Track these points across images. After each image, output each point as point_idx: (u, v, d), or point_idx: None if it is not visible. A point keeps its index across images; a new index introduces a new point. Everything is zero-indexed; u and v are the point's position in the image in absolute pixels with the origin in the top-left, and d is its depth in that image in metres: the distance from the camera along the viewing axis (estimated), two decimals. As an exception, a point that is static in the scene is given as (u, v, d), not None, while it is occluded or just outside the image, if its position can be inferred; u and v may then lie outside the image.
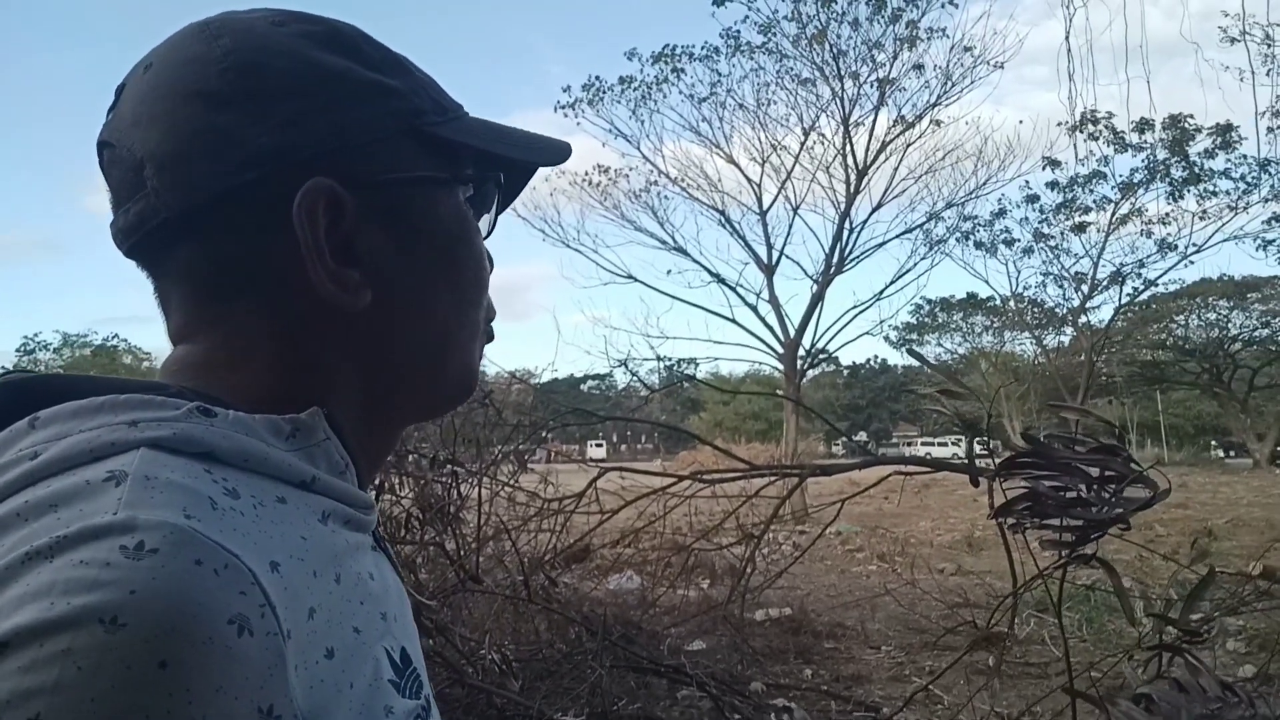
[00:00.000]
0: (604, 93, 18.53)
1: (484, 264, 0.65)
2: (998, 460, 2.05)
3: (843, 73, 17.33)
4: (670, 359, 22.28)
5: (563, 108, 18.78)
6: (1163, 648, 1.73)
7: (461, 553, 3.95)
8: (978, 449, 2.16)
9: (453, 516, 3.97)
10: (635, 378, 18.22)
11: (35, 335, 46.96)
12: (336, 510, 0.52)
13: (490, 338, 0.68)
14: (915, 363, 41.55)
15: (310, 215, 0.53)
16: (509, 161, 0.65)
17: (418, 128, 0.59)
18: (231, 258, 0.55)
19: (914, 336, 36.79)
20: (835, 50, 17.18)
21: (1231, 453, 42.20)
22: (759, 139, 18.34)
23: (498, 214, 0.68)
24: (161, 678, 0.35)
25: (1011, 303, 28.81)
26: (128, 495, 0.41)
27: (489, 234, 0.67)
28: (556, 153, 0.68)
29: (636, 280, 18.32)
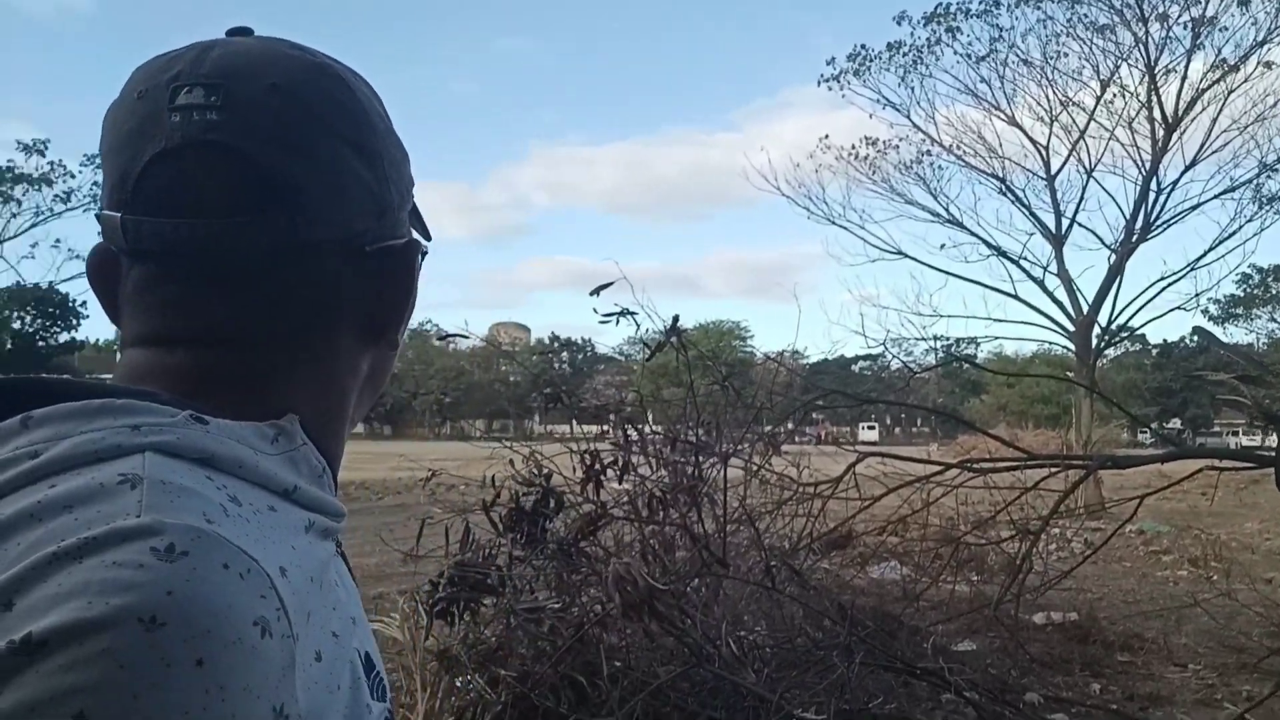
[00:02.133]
0: (870, 61, 17.74)
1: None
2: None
3: (1148, 15, 15.31)
4: (947, 338, 21.05)
5: (826, 81, 18.22)
6: None
7: (707, 536, 3.91)
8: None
9: (698, 499, 3.94)
10: (899, 359, 17.34)
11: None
12: (316, 522, 0.54)
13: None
14: (1246, 338, 36.26)
15: (415, 272, 0.64)
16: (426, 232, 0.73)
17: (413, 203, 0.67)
18: (322, 288, 0.59)
19: (1239, 310, 32.12)
20: (1140, -10, 15.23)
21: None
22: (1046, 97, 16.71)
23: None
24: (199, 675, 0.37)
25: (1372, 268, 24.21)
26: (148, 499, 0.42)
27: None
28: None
29: (907, 256, 17.41)
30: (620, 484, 3.79)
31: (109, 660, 0.36)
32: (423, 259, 0.67)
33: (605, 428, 4.33)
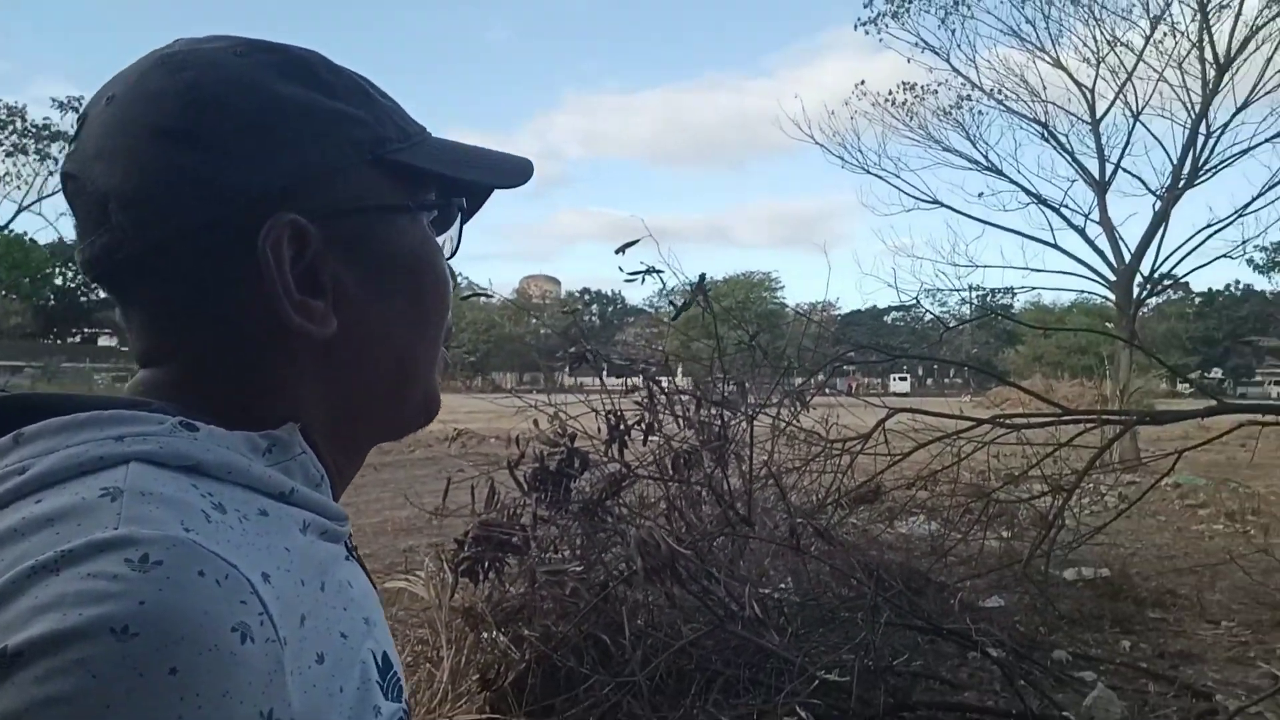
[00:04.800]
0: (910, 2, 17.20)
1: (447, 287, 0.67)
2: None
3: (1201, -52, 14.67)
4: (983, 289, 20.69)
5: (864, 24, 17.70)
6: None
7: (732, 494, 3.90)
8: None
9: (724, 456, 3.92)
10: (933, 311, 17.08)
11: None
12: (314, 522, 0.54)
13: (446, 363, 0.69)
14: (1290, 288, 35.21)
15: (275, 250, 0.55)
16: (470, 185, 0.67)
17: (380, 156, 0.60)
18: (196, 291, 0.56)
19: (1288, 258, 31.20)
20: (1193, -78, 14.56)
21: None
22: (1094, 37, 16.07)
23: (460, 233, 0.70)
24: (173, 683, 0.37)
25: None
26: (125, 510, 0.43)
27: (453, 254, 0.69)
28: (517, 173, 0.69)
29: (943, 205, 17.02)
30: (645, 444, 3.77)
31: (82, 671, 0.36)
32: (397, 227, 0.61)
33: (633, 382, 4.31)
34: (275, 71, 0.58)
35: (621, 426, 3.60)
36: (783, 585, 4.67)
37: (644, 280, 3.87)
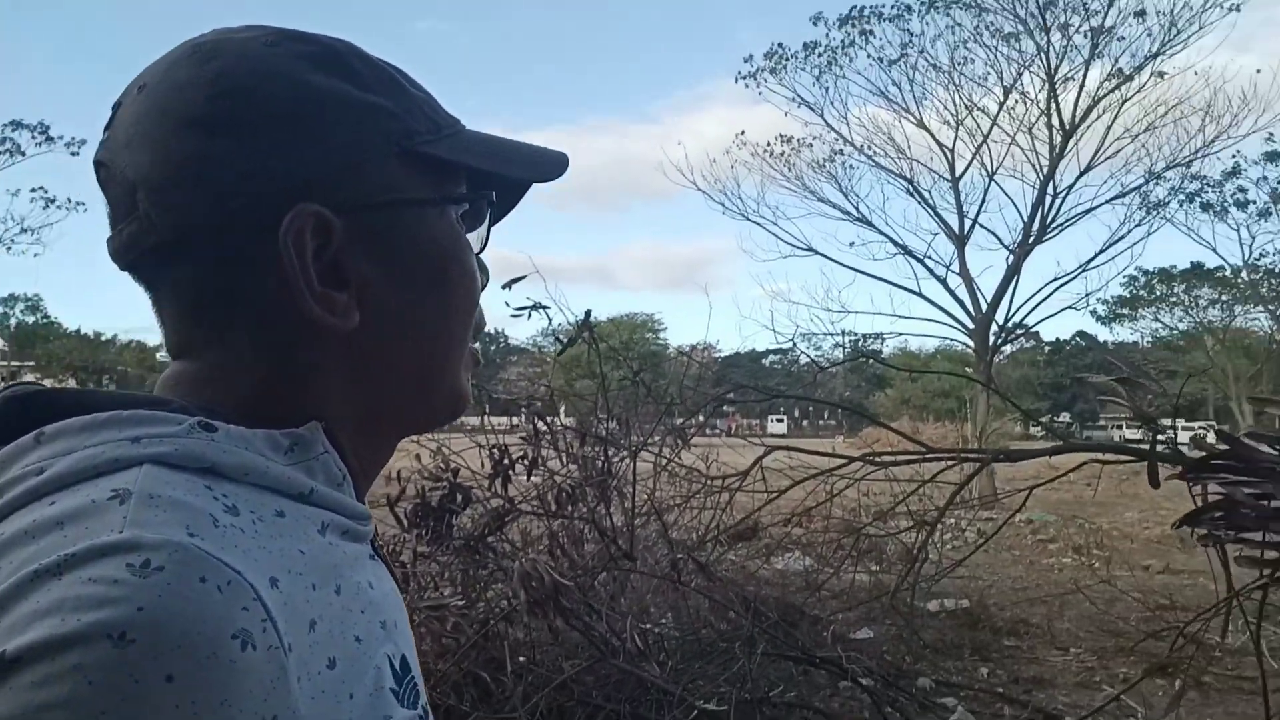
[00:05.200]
0: (787, 60, 18.03)
1: (476, 282, 0.65)
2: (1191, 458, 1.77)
3: (1049, 24, 16.01)
4: (855, 334, 21.59)
5: (744, 78, 18.45)
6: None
7: (615, 530, 3.94)
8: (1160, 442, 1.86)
9: (607, 493, 3.96)
10: (808, 354, 17.75)
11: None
12: (334, 522, 0.53)
13: (477, 360, 0.68)
14: (1131, 338, 38.22)
15: (297, 240, 0.54)
16: (503, 179, 0.66)
17: (409, 148, 0.59)
18: (222, 281, 0.56)
19: (1127, 311, 33.85)
20: (1042, 1, 15.86)
21: None
22: (953, 101, 17.31)
23: (490, 228, 0.69)
24: (169, 691, 0.37)
25: (1244, 273, 25.79)
26: (132, 514, 0.42)
27: (482, 248, 0.68)
28: (553, 167, 0.68)
29: (817, 253, 17.78)
30: (529, 479, 3.78)
31: (78, 677, 0.36)
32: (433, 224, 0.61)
33: (516, 420, 4.31)
34: (306, 61, 0.57)
35: (506, 461, 3.60)
36: (664, 620, 4.72)
37: (530, 316, 3.90)
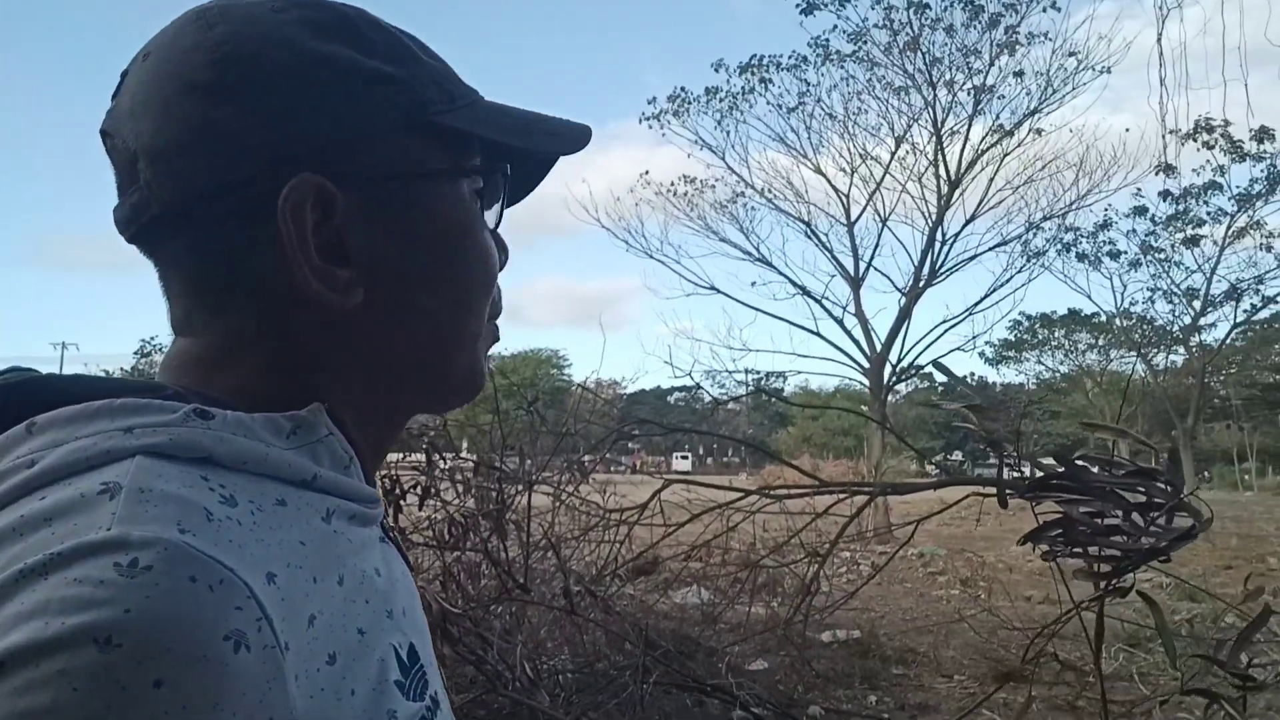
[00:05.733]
0: (690, 104, 18.50)
1: (491, 258, 0.62)
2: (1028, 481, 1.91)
3: (936, 81, 16.89)
4: (757, 372, 22.02)
5: (648, 119, 18.84)
6: (1199, 693, 1.56)
7: (509, 561, 3.93)
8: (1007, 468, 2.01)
9: (502, 525, 3.96)
10: (711, 391, 18.06)
11: (152, 339, 49.85)
12: (340, 507, 0.52)
13: (496, 337, 0.66)
14: (1018, 379, 40.13)
15: (296, 213, 0.52)
16: (519, 150, 0.62)
17: (420, 119, 0.57)
18: (223, 253, 0.54)
19: (1012, 354, 35.50)
20: (929, 58, 16.76)
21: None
22: (848, 149, 18.05)
23: (512, 203, 0.67)
24: (157, 697, 0.35)
25: (1117, 319, 27.46)
26: (121, 509, 0.41)
27: (497, 224, 0.65)
28: (574, 139, 0.65)
29: (720, 292, 18.18)
30: (421, 509, 3.75)
31: (62, 683, 0.34)
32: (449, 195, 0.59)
33: (408, 455, 4.28)
34: (312, 28, 0.55)
35: (397, 491, 3.57)
36: (560, 653, 4.71)
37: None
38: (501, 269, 0.63)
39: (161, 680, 0.36)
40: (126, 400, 0.48)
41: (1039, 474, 1.75)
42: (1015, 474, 1.98)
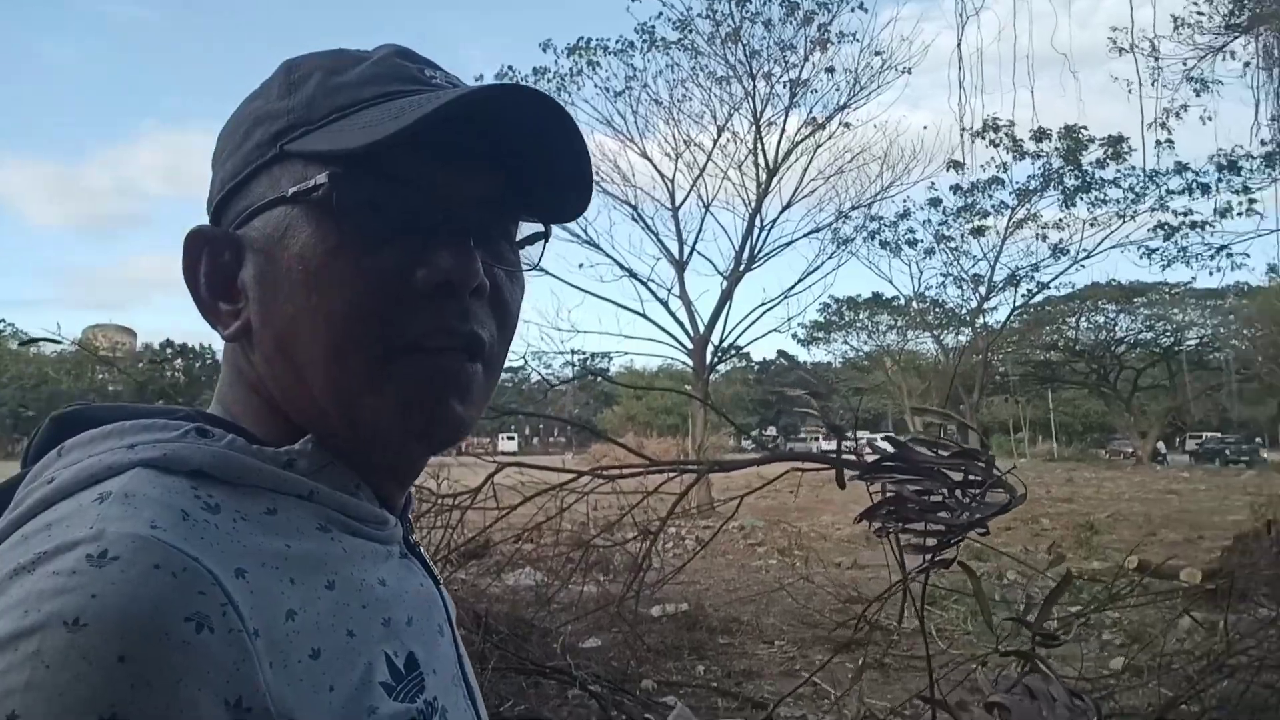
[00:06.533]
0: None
1: (364, 280, 0.54)
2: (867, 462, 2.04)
3: (755, 72, 17.50)
4: (584, 353, 22.16)
5: (474, 96, 18.44)
6: (1015, 654, 1.74)
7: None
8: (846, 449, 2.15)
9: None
10: (539, 372, 18.06)
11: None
12: (339, 520, 0.55)
13: (440, 370, 0.56)
14: (824, 359, 42.57)
15: (187, 257, 0.59)
16: (347, 154, 0.54)
17: (283, 149, 0.57)
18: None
19: (822, 334, 37.54)
20: (749, 50, 17.33)
21: (1111, 450, 44.47)
22: (673, 135, 18.39)
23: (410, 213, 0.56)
24: (121, 670, 0.38)
25: (914, 303, 29.59)
26: (104, 511, 0.45)
27: (384, 236, 0.56)
28: (438, 115, 0.53)
29: (547, 273, 18.10)
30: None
31: (36, 661, 0.38)
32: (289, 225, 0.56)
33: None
34: (264, 89, 0.61)
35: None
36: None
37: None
38: (454, 286, 0.55)
39: (125, 655, 0.39)
40: (135, 421, 0.53)
41: (875, 457, 1.88)
42: (851, 456, 2.11)
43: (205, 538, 0.45)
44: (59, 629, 0.39)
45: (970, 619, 6.43)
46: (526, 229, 0.66)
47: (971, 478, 1.91)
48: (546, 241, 0.68)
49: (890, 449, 1.90)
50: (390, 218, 0.55)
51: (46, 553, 0.42)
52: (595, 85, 18.10)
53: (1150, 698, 3.84)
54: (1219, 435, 43.14)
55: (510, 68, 18.32)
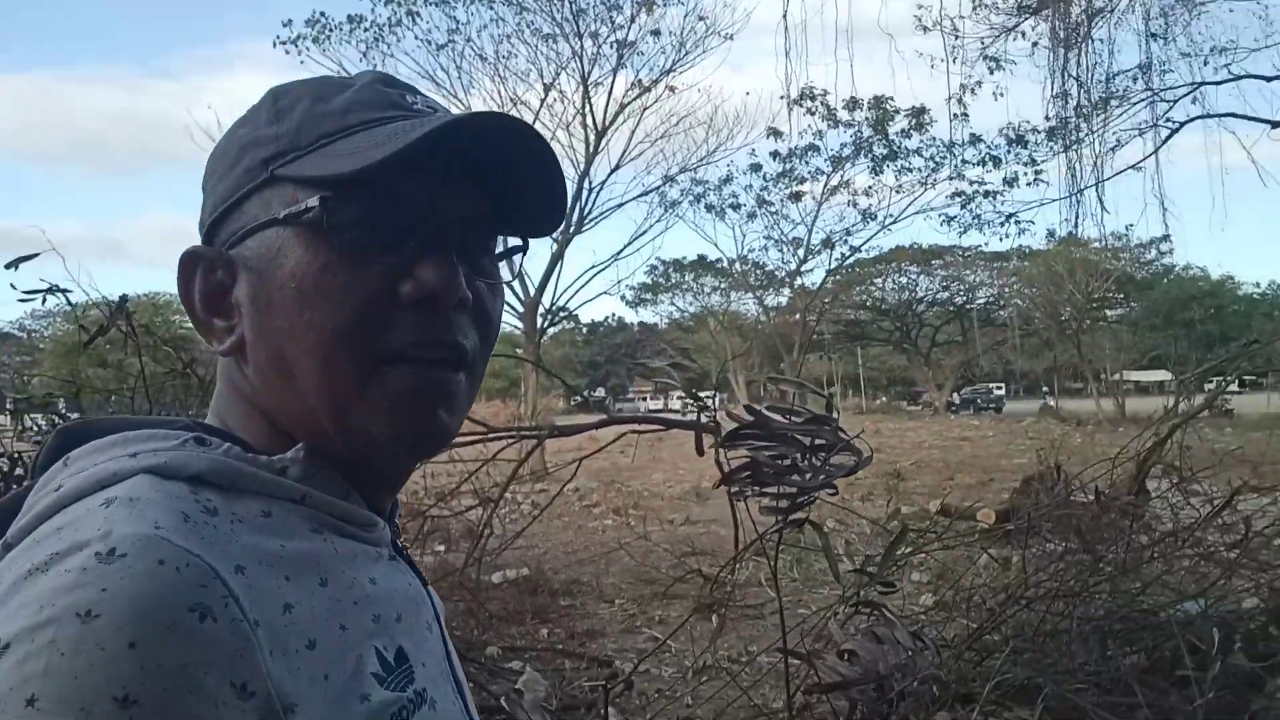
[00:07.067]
0: (331, 31, 17.31)
1: (351, 297, 0.57)
2: (724, 429, 2.11)
3: (582, 31, 17.39)
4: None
5: (284, 43, 17.34)
6: (860, 604, 1.87)
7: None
8: (704, 415, 2.22)
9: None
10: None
11: None
12: (330, 523, 0.59)
13: (425, 382, 0.59)
14: (651, 320, 43.38)
15: (182, 276, 0.63)
16: (352, 176, 0.56)
17: (274, 174, 0.60)
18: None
19: (649, 296, 38.21)
20: (575, 7, 17.17)
21: (910, 401, 48.15)
22: (499, 92, 18.04)
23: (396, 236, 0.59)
24: (132, 655, 0.42)
25: (737, 265, 30.62)
26: (111, 514, 0.49)
27: (419, 255, 0.59)
28: (424, 142, 0.56)
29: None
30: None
31: (53, 650, 0.41)
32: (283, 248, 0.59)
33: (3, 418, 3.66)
34: (252, 115, 0.64)
35: (18, 472, 3.05)
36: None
37: (45, 300, 3.34)
38: (438, 299, 0.58)
39: (135, 642, 0.42)
40: (138, 431, 0.57)
41: (732, 424, 1.95)
42: (708, 421, 2.19)
43: (205, 537, 0.49)
44: (73, 620, 0.42)
45: (797, 567, 6.83)
46: (505, 243, 0.70)
47: (820, 442, 2.02)
48: (524, 255, 0.71)
49: (748, 417, 1.97)
50: (377, 236, 0.59)
51: (59, 553, 0.46)
52: (416, 37, 17.44)
53: (958, 630, 4.24)
54: (972, 387, 48.42)
55: (322, 13, 17.33)
